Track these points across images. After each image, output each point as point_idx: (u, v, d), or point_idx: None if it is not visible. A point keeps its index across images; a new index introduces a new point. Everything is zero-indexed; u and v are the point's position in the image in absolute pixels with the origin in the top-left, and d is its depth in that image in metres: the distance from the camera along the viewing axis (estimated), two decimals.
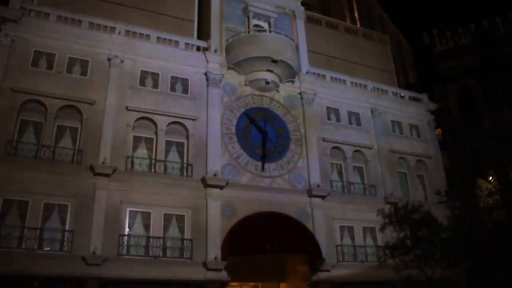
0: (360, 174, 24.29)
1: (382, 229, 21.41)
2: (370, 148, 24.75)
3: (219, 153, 20.40)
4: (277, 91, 23.27)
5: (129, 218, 17.99)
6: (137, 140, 19.58)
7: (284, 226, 20.02)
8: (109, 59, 19.80)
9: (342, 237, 21.99)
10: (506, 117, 27.77)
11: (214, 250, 18.43)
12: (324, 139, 23.51)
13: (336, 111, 24.94)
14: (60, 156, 17.80)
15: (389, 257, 20.81)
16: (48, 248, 16.44)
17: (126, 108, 19.43)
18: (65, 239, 16.63)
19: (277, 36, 22.81)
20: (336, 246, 21.48)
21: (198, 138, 20.42)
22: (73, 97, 18.69)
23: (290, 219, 20.54)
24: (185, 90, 21.23)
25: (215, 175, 19.60)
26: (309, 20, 27.87)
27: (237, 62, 22.19)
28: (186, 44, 22.07)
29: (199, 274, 17.94)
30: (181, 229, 18.67)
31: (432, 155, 26.97)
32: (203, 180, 19.30)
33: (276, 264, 21.76)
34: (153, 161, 19.28)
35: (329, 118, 24.53)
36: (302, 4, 26.53)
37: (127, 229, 17.82)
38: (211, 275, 18.07)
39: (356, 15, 36.93)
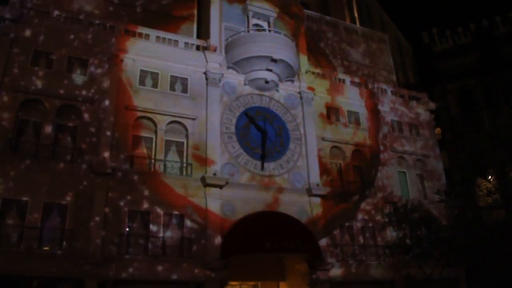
0: (360, 174, 24.26)
1: (382, 228, 21.45)
2: (369, 148, 24.74)
3: (218, 152, 20.40)
4: (277, 91, 23.26)
5: (129, 217, 17.98)
6: (136, 139, 19.58)
7: (283, 225, 20.01)
8: (108, 59, 19.79)
9: (341, 236, 21.99)
10: (506, 116, 27.75)
11: (213, 249, 18.43)
12: (323, 138, 23.51)
13: (336, 111, 24.93)
14: (59, 155, 17.84)
15: (388, 256, 20.86)
16: (47, 248, 16.44)
17: (126, 107, 19.42)
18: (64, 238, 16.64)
19: (277, 35, 22.77)
20: (336, 245, 21.48)
21: (198, 137, 20.41)
22: (73, 96, 18.71)
23: (289, 218, 20.53)
24: (185, 90, 21.22)
25: (214, 174, 19.60)
26: (308, 19, 27.82)
27: (236, 61, 22.18)
28: (186, 43, 22.06)
29: (199, 273, 17.95)
30: (181, 228, 18.68)
31: (431, 154, 26.97)
32: (203, 179, 19.31)
33: (276, 263, 21.76)
34: (153, 161, 19.29)
35: (328, 118, 24.51)
36: (302, 3, 26.52)
37: (126, 228, 17.81)
38: (211, 274, 18.07)
39: (356, 14, 36.77)
